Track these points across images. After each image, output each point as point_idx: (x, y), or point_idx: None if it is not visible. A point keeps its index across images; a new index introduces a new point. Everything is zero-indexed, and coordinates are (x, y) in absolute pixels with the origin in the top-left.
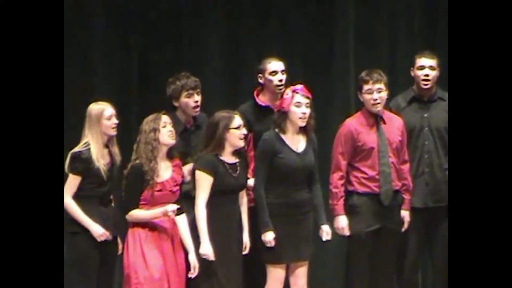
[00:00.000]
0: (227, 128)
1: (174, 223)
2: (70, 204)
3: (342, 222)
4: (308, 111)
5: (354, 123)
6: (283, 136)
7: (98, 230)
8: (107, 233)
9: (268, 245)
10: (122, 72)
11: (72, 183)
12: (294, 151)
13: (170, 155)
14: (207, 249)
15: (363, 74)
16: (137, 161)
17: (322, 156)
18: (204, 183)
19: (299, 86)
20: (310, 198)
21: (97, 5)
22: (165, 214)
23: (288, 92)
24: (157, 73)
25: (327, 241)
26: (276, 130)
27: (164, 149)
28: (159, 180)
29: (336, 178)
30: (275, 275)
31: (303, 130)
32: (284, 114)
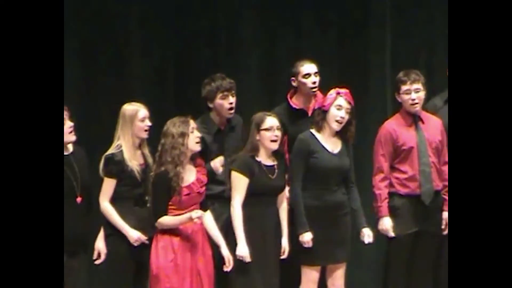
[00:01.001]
0: (257, 129)
1: (201, 225)
2: (107, 208)
3: (387, 223)
4: (346, 116)
5: (393, 124)
6: (318, 136)
7: (133, 235)
8: (143, 238)
9: (306, 245)
10: (158, 74)
11: (108, 186)
12: (329, 152)
13: (192, 157)
14: (244, 251)
15: (401, 74)
16: (162, 169)
17: (360, 159)
18: (240, 184)
19: (344, 90)
20: (346, 200)
21: (133, 6)
22: (191, 219)
23: (333, 92)
24: (193, 76)
25: (369, 243)
26: (313, 129)
27: (189, 154)
28: (185, 184)
29: (378, 180)
30: (309, 276)
31: (340, 133)
32: (323, 113)
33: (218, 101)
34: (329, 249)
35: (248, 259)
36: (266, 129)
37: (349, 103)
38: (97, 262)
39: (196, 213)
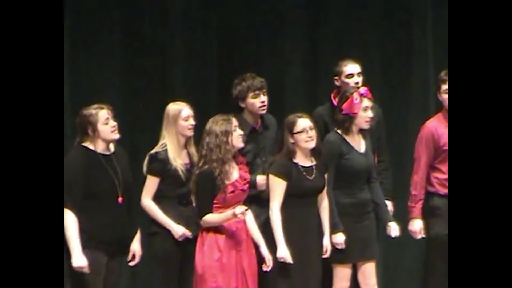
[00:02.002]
0: (290, 132)
1: (245, 224)
2: (150, 205)
3: (417, 225)
4: (372, 114)
5: (434, 124)
6: (346, 138)
7: (178, 230)
8: (187, 233)
9: (339, 247)
10: (202, 73)
11: (150, 184)
12: (358, 152)
13: (233, 156)
14: (285, 253)
15: (442, 74)
16: (206, 167)
17: (402, 158)
18: (278, 187)
19: (363, 90)
20: (370, 198)
21: (177, 8)
22: (235, 215)
23: (357, 96)
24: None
25: (395, 237)
26: (339, 131)
27: (233, 152)
28: (229, 182)
29: (416, 180)
30: (342, 274)
31: (361, 130)
32: (351, 118)
33: (249, 100)
34: (359, 246)
35: (289, 260)
36: (299, 132)
37: (370, 99)
38: (131, 263)
39: (240, 209)
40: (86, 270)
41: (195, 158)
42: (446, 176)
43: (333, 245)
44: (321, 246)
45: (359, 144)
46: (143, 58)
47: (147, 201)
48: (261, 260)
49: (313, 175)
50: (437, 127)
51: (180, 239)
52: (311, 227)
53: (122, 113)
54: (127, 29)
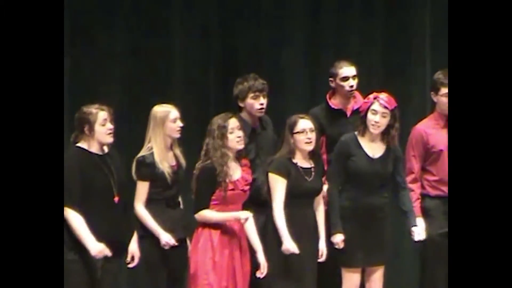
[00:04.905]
0: (291, 132)
1: (242, 224)
2: (142, 213)
3: (418, 224)
4: (382, 121)
5: (424, 126)
6: (360, 140)
7: (165, 238)
8: (171, 242)
9: (337, 246)
10: (199, 74)
11: (141, 189)
12: (368, 156)
13: (238, 155)
14: (291, 245)
15: (441, 76)
16: (208, 162)
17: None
18: (279, 185)
19: (382, 95)
20: (386, 203)
21: (175, 7)
22: (237, 219)
23: (370, 97)
24: (235, 76)
25: (419, 241)
26: (356, 132)
27: (233, 153)
28: (230, 180)
29: (409, 181)
30: (350, 279)
31: (384, 137)
32: (362, 118)
33: (249, 101)
34: (366, 251)
35: (296, 251)
36: (298, 132)
37: (386, 107)
38: (130, 265)
39: (244, 214)
40: (107, 252)
41: (182, 159)
42: (436, 178)
43: (338, 249)
44: (317, 249)
45: (375, 150)
46: (139, 61)
47: (140, 209)
48: (256, 263)
49: (312, 177)
50: (426, 128)
51: (164, 247)
52: (307, 229)
53: (120, 114)
54: (122, 32)
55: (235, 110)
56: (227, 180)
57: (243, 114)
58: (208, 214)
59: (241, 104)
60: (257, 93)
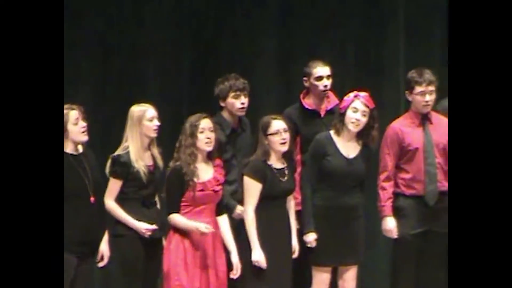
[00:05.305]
0: (265, 134)
1: (216, 225)
2: (112, 206)
3: (390, 223)
4: (362, 119)
5: (400, 124)
6: (336, 139)
7: (142, 226)
8: (151, 226)
9: (309, 245)
10: (175, 74)
11: (113, 186)
12: (343, 156)
13: (210, 156)
14: (259, 256)
15: (415, 74)
16: (177, 163)
17: (374, 157)
18: (253, 189)
19: (362, 93)
20: (360, 204)
21: (149, 5)
22: (197, 230)
23: (350, 95)
24: (210, 76)
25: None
26: (332, 132)
27: (202, 153)
28: (200, 180)
29: (382, 180)
30: (320, 277)
31: (360, 138)
32: (341, 116)
33: (230, 100)
34: (338, 251)
35: (264, 265)
36: (273, 134)
37: (366, 106)
38: (100, 264)
39: (205, 228)
40: None
41: (159, 160)
42: (410, 176)
43: (310, 248)
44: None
45: (350, 150)
46: (113, 60)
47: (110, 203)
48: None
49: (286, 177)
50: (402, 127)
51: (146, 235)
52: (283, 228)
53: (94, 114)
54: (97, 30)
55: (210, 111)
56: (196, 181)
57: (224, 114)
58: (175, 219)
59: (222, 104)
60: (238, 93)
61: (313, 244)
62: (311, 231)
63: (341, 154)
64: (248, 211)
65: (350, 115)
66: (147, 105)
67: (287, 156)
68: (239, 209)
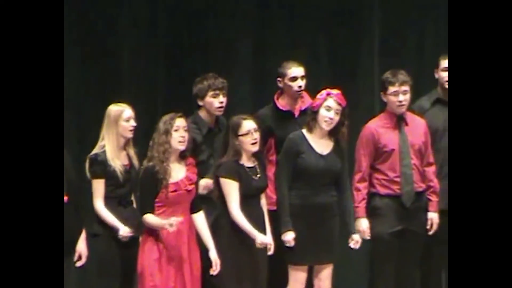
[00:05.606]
0: (235, 134)
1: (191, 223)
2: (100, 208)
3: (364, 225)
4: (335, 117)
5: (375, 125)
6: (309, 137)
7: (123, 232)
8: (129, 234)
9: (288, 244)
10: (149, 74)
11: (97, 187)
12: (317, 153)
13: (183, 155)
14: (263, 238)
15: (389, 75)
16: (150, 163)
17: (348, 158)
18: (232, 189)
19: (335, 91)
20: (334, 202)
21: (124, 5)
22: (170, 225)
23: (323, 93)
24: (184, 76)
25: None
26: (304, 130)
27: (175, 152)
28: (173, 180)
29: (356, 180)
30: (296, 276)
31: (332, 134)
32: (314, 114)
33: (208, 99)
34: (314, 250)
35: (271, 241)
36: (244, 134)
37: (339, 104)
38: (78, 264)
39: (170, 225)
40: None
41: (134, 160)
42: (386, 177)
43: (286, 246)
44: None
45: (323, 147)
46: (87, 60)
47: (99, 204)
48: (206, 263)
49: (258, 175)
50: (378, 127)
51: (122, 240)
52: (258, 226)
53: (70, 114)
54: (70, 28)
55: (185, 111)
56: (169, 181)
57: (201, 113)
58: (148, 219)
59: (200, 103)
60: (216, 92)
61: (292, 244)
62: (290, 230)
63: (315, 151)
64: (233, 210)
65: (323, 113)
66: (124, 105)
67: (257, 154)
68: None
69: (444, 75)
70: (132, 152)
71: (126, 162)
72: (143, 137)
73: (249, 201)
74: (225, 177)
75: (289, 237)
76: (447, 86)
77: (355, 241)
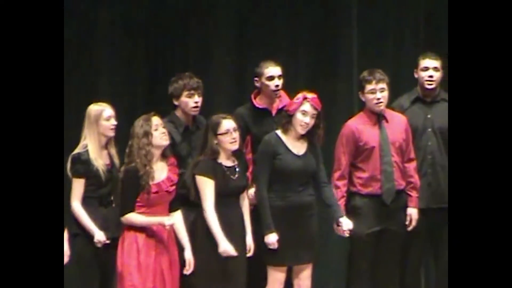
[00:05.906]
0: (214, 133)
1: (169, 226)
2: (76, 208)
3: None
4: (311, 121)
5: (355, 123)
6: (284, 138)
7: (98, 236)
8: (104, 240)
9: (271, 247)
10: (128, 73)
11: (77, 186)
12: (293, 154)
13: (164, 155)
14: (227, 246)
15: (365, 74)
16: (132, 165)
17: (326, 158)
18: (207, 187)
19: (311, 96)
20: (313, 202)
21: (103, 5)
22: (161, 225)
23: (300, 97)
24: (163, 75)
25: (348, 230)
26: (279, 131)
27: (158, 151)
28: (154, 181)
29: (336, 179)
30: (275, 277)
31: (307, 136)
32: (289, 117)
33: (183, 99)
34: (294, 250)
35: (234, 253)
36: (223, 134)
37: (315, 108)
38: None
39: (168, 220)
40: None
41: (116, 159)
42: (367, 175)
43: (266, 247)
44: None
45: (299, 147)
46: (67, 58)
47: (76, 204)
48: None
49: (236, 175)
50: (358, 125)
51: (97, 245)
52: (237, 226)
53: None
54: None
55: (164, 111)
56: (151, 183)
57: (178, 113)
58: (133, 218)
59: (175, 102)
60: (192, 91)
61: (276, 245)
62: (272, 232)
63: (291, 152)
64: (207, 209)
65: (299, 117)
66: (104, 104)
67: (237, 154)
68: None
69: (424, 74)
70: (113, 151)
71: (107, 161)
72: (124, 136)
73: (226, 201)
74: (201, 175)
75: (272, 239)
76: (427, 86)
77: (345, 223)
